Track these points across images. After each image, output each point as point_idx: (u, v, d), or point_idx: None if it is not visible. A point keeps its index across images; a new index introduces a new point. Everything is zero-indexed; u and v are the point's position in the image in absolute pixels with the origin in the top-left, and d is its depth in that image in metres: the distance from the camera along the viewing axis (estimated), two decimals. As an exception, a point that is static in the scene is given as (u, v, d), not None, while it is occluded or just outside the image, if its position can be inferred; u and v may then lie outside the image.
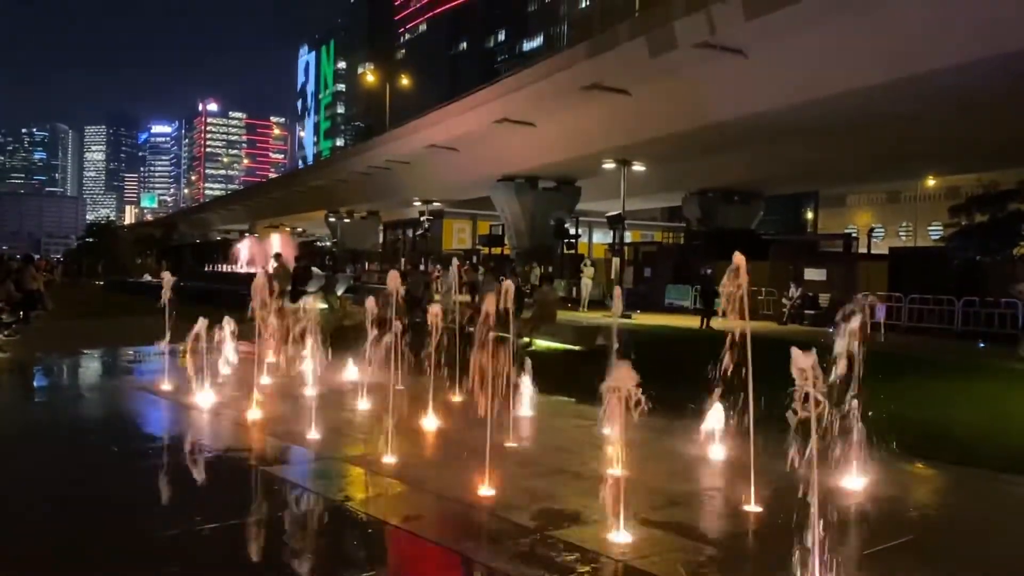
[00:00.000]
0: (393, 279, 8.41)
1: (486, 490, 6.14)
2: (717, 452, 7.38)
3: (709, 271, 24.64)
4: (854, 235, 52.69)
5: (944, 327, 23.94)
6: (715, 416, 7.19)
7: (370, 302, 8.52)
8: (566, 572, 4.74)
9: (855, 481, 6.53)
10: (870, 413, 6.31)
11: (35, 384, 12.50)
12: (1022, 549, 5.71)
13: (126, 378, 12.67)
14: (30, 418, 9.63)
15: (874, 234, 59.30)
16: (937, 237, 56.58)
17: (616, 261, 33.88)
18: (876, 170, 43.62)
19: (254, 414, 8.84)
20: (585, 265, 33.54)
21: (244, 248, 70.74)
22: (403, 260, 53.38)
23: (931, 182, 56.26)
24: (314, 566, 5.02)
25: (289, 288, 23.82)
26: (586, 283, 31.21)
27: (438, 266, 50.47)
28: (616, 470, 5.27)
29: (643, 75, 30.57)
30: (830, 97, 25.74)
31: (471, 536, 5.46)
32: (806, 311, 26.90)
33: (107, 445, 8.05)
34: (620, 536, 5.17)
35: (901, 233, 72.37)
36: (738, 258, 6.13)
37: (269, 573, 4.83)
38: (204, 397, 9.56)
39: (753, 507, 5.94)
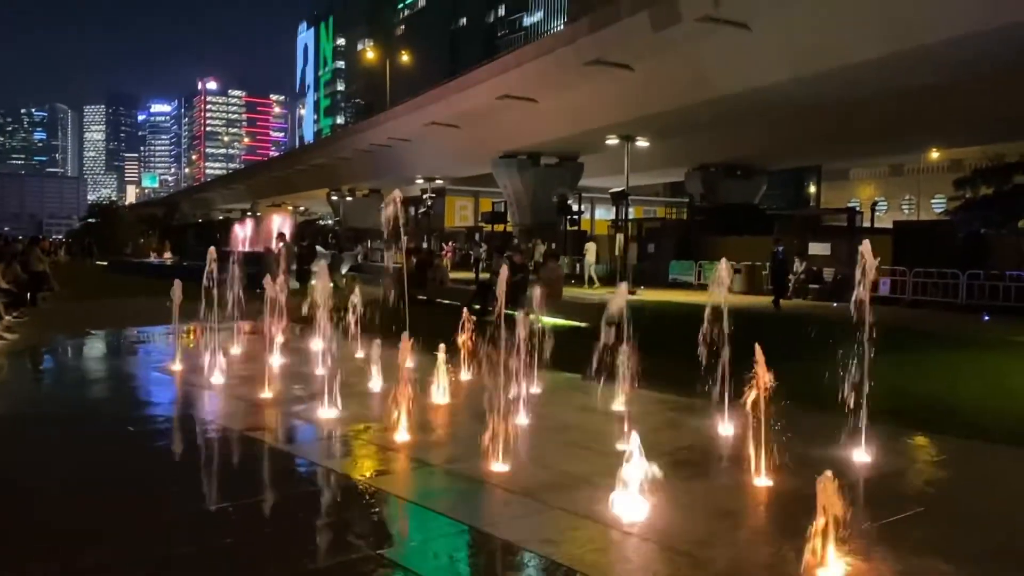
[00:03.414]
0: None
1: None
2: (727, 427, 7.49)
3: (781, 248, 24.38)
4: (858, 209, 52.63)
5: (948, 300, 23.98)
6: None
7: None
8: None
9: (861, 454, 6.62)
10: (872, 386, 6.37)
11: (45, 366, 12.59)
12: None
13: (141, 359, 12.77)
14: (42, 399, 9.72)
15: (877, 208, 59.19)
16: (940, 210, 56.55)
17: (620, 237, 33.94)
18: (880, 143, 43.48)
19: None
20: (588, 244, 34.13)
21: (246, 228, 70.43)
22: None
23: (935, 155, 56.06)
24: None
25: (295, 267, 23.91)
26: (589, 261, 31.83)
27: (451, 243, 51.06)
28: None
29: (646, 50, 30.43)
30: (834, 70, 25.65)
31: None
32: (811, 285, 27.01)
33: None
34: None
35: (904, 206, 72.28)
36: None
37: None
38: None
39: (764, 480, 6.02)
